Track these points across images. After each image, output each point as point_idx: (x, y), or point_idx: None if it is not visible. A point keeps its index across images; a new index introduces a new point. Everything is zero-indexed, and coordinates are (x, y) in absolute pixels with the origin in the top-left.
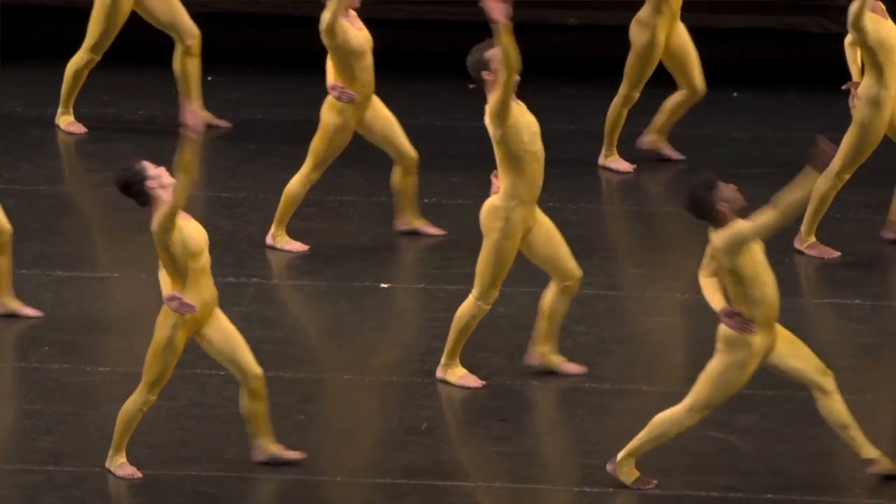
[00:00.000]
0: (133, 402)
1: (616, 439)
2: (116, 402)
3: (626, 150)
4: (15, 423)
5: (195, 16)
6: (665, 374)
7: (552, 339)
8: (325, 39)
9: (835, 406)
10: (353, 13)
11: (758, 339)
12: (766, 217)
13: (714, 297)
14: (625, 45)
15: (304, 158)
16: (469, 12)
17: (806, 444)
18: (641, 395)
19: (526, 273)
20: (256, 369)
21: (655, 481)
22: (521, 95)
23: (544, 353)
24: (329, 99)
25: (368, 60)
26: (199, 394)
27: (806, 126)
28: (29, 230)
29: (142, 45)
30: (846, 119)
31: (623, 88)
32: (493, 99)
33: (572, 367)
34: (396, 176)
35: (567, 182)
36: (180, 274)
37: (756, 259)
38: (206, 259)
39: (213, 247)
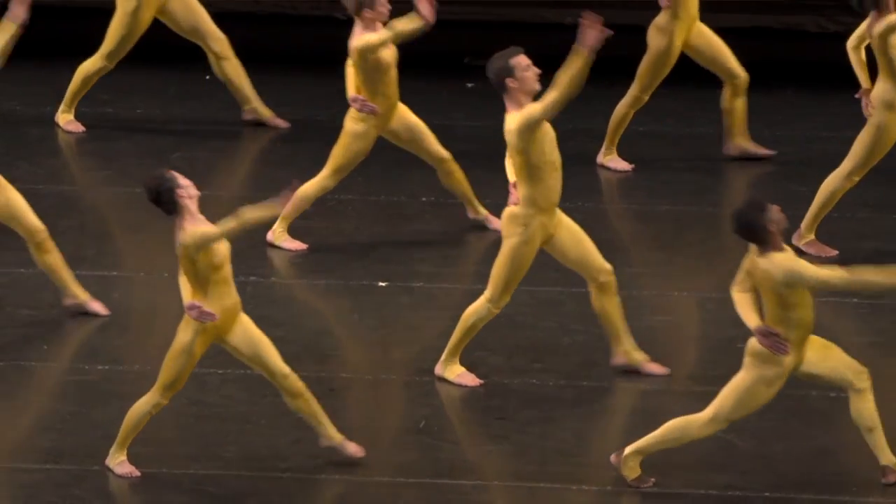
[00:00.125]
0: (144, 403)
1: (614, 438)
2: (115, 400)
3: (626, 150)
4: (14, 421)
5: None
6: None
7: (625, 337)
8: (354, 56)
9: (865, 407)
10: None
11: (788, 359)
12: None
13: (749, 314)
14: (624, 44)
15: (304, 158)
16: (469, 12)
17: (804, 442)
18: (640, 393)
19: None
20: (284, 369)
21: (654, 479)
22: None
23: (626, 350)
24: (352, 108)
25: (393, 74)
26: (197, 392)
27: (804, 125)
28: None
29: (141, 44)
30: (844, 118)
31: (633, 90)
32: (530, 113)
33: (655, 368)
34: (442, 179)
35: (566, 181)
36: (202, 283)
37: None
38: (228, 270)
39: None
